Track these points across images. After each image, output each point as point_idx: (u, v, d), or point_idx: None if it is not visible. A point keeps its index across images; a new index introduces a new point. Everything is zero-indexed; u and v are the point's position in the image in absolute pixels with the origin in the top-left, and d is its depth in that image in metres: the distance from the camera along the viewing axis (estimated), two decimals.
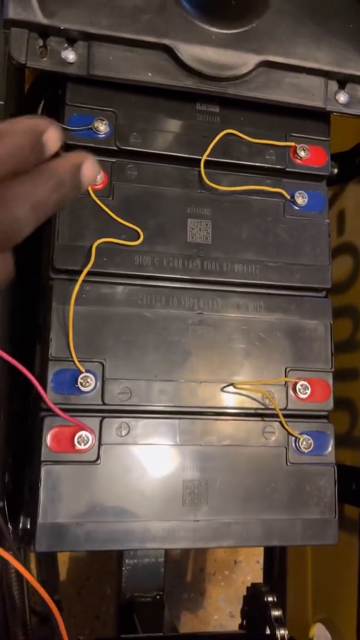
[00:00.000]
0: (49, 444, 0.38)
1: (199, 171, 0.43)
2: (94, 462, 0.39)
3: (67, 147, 0.40)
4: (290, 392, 0.43)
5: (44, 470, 0.38)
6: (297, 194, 0.45)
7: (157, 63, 0.40)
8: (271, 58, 0.41)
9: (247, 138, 0.44)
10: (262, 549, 0.79)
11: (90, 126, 0.41)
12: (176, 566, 1.05)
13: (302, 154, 0.45)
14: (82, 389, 0.39)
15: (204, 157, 0.43)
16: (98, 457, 0.39)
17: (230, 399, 0.42)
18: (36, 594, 0.39)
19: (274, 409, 0.43)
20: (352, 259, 0.55)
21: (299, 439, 0.43)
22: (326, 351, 0.45)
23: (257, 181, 0.45)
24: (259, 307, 0.44)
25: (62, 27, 0.38)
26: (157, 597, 0.65)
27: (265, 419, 0.43)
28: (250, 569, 1.07)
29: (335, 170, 0.53)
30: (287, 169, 0.45)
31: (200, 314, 0.43)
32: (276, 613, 0.50)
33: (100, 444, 0.39)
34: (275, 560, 0.67)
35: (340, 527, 0.43)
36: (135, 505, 0.40)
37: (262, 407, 0.43)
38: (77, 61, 0.39)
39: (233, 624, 1.02)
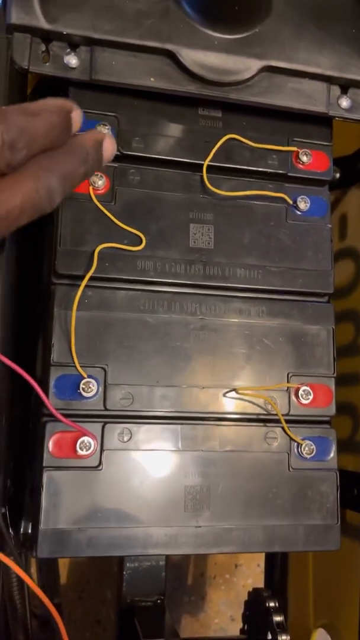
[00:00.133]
0: (50, 450, 0.38)
1: (201, 176, 0.43)
2: (95, 467, 0.39)
3: None
4: (293, 397, 0.43)
5: (45, 476, 0.38)
6: (299, 199, 0.45)
7: (160, 68, 0.40)
8: (273, 63, 0.41)
9: (250, 143, 0.44)
10: (263, 553, 0.79)
11: None
12: (177, 569, 1.05)
13: (304, 159, 0.45)
14: (84, 394, 0.39)
15: (207, 162, 0.43)
16: (100, 463, 0.39)
17: (232, 405, 0.42)
18: (37, 597, 0.39)
19: (276, 415, 0.42)
20: (353, 263, 0.55)
21: (301, 444, 0.43)
22: (328, 356, 0.45)
23: (260, 186, 0.45)
24: (261, 312, 0.44)
25: (64, 32, 0.38)
26: (158, 601, 0.65)
27: (268, 424, 0.43)
28: (251, 572, 1.07)
29: (338, 175, 0.53)
30: (290, 174, 0.45)
31: (203, 319, 0.43)
32: (278, 618, 0.50)
33: (102, 450, 0.39)
34: (277, 564, 0.67)
35: (342, 532, 0.43)
36: (137, 511, 0.40)
37: (264, 412, 0.43)
38: (79, 66, 0.39)
39: (234, 628, 1.02)
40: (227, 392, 0.42)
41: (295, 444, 0.43)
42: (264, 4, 0.41)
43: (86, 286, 0.40)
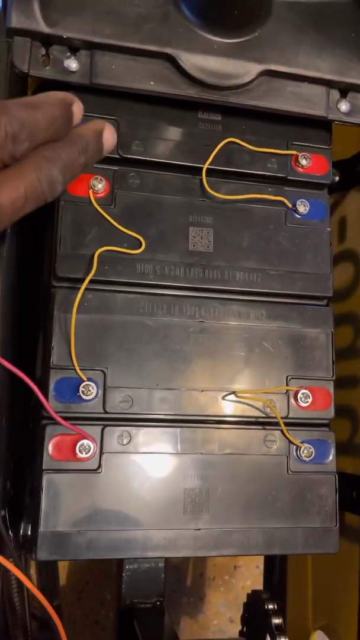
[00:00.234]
0: (50, 453, 0.38)
1: (201, 179, 0.44)
2: (95, 470, 0.39)
3: None
4: (292, 400, 0.43)
5: (45, 479, 0.38)
6: (298, 203, 0.45)
7: (160, 72, 0.40)
8: (273, 67, 0.41)
9: (249, 146, 0.44)
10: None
11: None
12: (176, 570, 1.05)
13: (303, 162, 0.45)
14: (84, 397, 0.39)
15: (206, 166, 0.43)
16: (99, 466, 0.39)
17: (231, 408, 0.43)
18: (36, 598, 0.39)
19: (275, 418, 0.43)
20: (353, 266, 0.55)
21: (300, 447, 0.43)
22: (327, 360, 0.45)
23: (259, 189, 0.45)
24: (261, 315, 0.44)
25: (64, 36, 0.38)
26: (157, 603, 0.65)
27: (267, 427, 0.43)
28: (250, 574, 1.07)
29: (337, 178, 0.53)
30: (289, 178, 0.45)
31: (202, 322, 0.43)
32: (277, 621, 0.50)
33: (101, 453, 0.39)
34: (276, 566, 0.67)
35: (340, 534, 0.43)
36: (136, 514, 0.40)
37: (263, 415, 0.43)
38: (79, 70, 0.39)
39: (232, 629, 1.02)
40: (226, 395, 0.42)
41: (294, 446, 0.43)
42: (263, 8, 0.41)
43: (86, 289, 0.40)
